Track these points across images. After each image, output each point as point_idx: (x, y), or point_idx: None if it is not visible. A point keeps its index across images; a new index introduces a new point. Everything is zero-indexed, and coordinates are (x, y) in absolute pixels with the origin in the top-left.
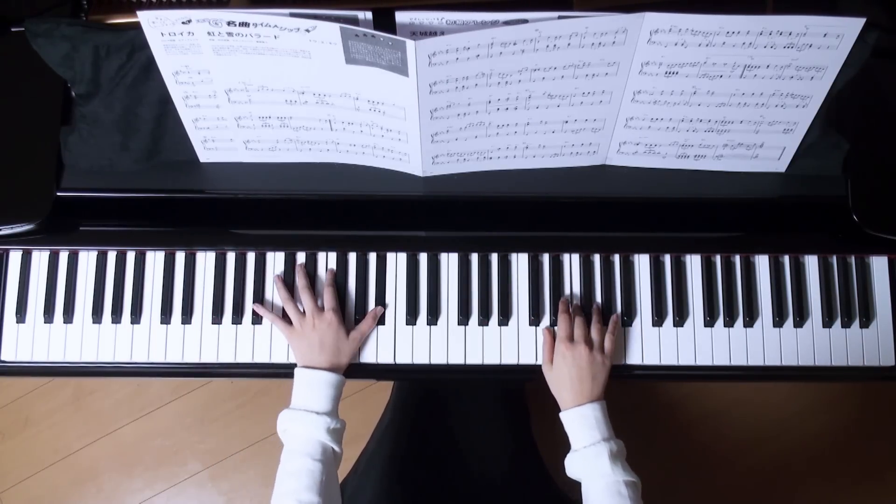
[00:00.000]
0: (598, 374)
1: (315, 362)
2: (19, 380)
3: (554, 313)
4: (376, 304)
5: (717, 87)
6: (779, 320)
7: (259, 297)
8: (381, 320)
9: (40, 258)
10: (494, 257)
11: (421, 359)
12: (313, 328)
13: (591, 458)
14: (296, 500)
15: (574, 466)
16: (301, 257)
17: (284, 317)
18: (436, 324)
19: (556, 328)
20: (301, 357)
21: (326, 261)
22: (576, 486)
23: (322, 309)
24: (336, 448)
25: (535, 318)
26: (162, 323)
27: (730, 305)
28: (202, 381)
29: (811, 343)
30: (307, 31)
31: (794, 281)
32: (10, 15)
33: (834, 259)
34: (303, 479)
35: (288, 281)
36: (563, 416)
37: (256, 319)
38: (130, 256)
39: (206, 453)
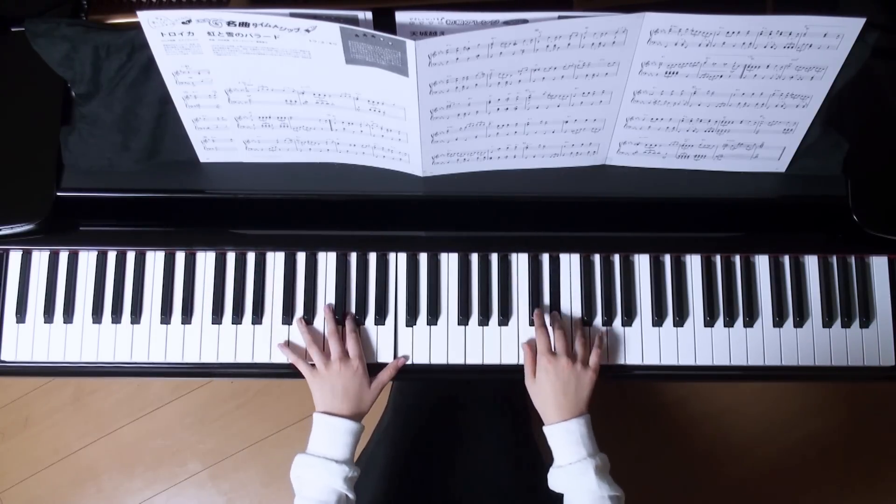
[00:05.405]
0: (582, 388)
1: (336, 409)
2: (19, 380)
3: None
4: (377, 304)
5: (717, 87)
6: (779, 320)
7: (259, 297)
8: (381, 321)
9: (40, 258)
10: (494, 257)
11: (421, 359)
12: (338, 373)
13: (576, 474)
14: None
15: (558, 481)
16: (301, 257)
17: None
18: (436, 324)
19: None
20: (322, 402)
21: (326, 261)
22: None
23: (347, 355)
24: (350, 495)
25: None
26: (162, 323)
27: (730, 305)
28: (202, 381)
29: (811, 343)
30: (307, 31)
31: (794, 281)
32: (10, 15)
33: (834, 259)
34: None
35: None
36: (546, 430)
37: (256, 320)
38: (130, 256)
39: (206, 453)
